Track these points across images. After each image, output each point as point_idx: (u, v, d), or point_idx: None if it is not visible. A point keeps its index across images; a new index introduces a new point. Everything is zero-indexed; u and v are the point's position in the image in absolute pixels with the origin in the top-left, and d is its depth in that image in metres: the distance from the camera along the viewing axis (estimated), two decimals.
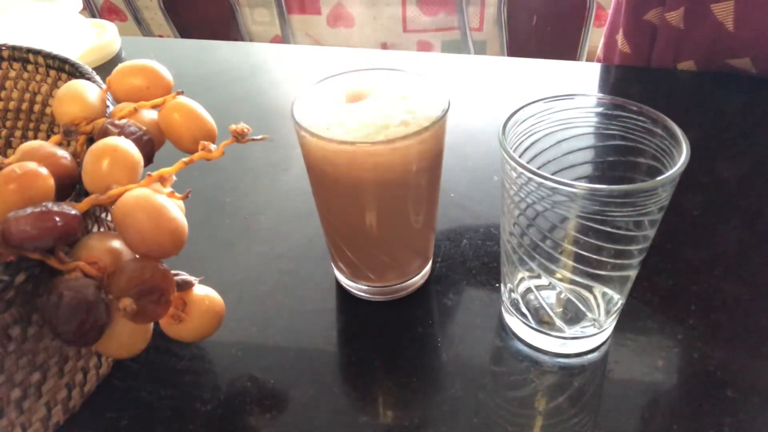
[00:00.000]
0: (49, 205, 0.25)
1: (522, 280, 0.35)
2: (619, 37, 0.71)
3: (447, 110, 0.34)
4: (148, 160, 0.32)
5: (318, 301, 0.41)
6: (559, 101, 0.34)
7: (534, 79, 0.69)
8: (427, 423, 0.33)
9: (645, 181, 0.28)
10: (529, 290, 0.35)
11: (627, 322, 0.38)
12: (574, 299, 0.34)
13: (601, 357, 0.36)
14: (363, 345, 0.38)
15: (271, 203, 0.51)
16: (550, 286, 0.34)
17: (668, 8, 0.65)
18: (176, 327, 0.32)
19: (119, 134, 0.31)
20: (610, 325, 0.36)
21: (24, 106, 0.43)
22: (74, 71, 0.39)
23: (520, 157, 0.30)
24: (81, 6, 0.76)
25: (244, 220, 0.49)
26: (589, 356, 0.36)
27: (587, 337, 0.36)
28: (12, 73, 0.42)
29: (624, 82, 0.68)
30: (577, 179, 0.31)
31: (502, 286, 0.39)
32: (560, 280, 0.32)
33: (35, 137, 0.44)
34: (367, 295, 0.41)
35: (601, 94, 0.34)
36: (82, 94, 0.33)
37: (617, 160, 0.34)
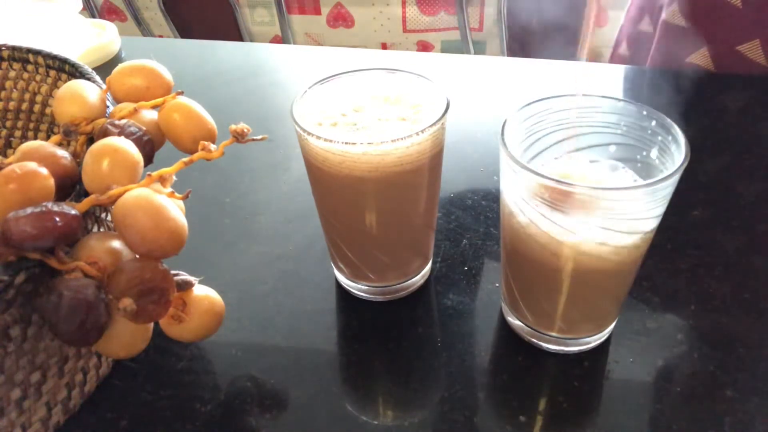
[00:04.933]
0: (49, 205, 0.25)
1: (522, 280, 0.35)
2: (671, 11, 0.68)
3: (447, 110, 0.34)
4: (148, 160, 0.32)
5: (318, 301, 0.41)
6: (559, 101, 0.34)
7: (534, 79, 0.69)
8: (427, 423, 0.33)
9: (645, 181, 0.28)
10: (528, 290, 0.35)
11: (627, 322, 0.38)
12: (573, 299, 0.34)
13: (601, 357, 0.36)
14: (363, 345, 0.38)
15: (271, 203, 0.51)
16: (550, 286, 0.33)
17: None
18: (176, 327, 0.32)
19: (119, 134, 0.31)
20: (610, 325, 0.36)
21: (24, 106, 0.43)
22: (74, 71, 0.39)
23: (520, 157, 0.30)
24: (81, 6, 0.76)
25: (244, 220, 0.49)
26: (589, 356, 0.36)
27: (587, 337, 0.36)
28: (12, 73, 0.42)
29: (624, 82, 0.68)
30: (576, 179, 0.31)
31: (502, 286, 0.39)
32: (560, 280, 0.32)
33: (35, 137, 0.44)
34: (367, 295, 0.41)
35: (601, 94, 0.34)
36: (82, 94, 0.33)
37: (617, 160, 0.34)
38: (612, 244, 0.30)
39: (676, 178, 0.28)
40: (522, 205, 0.31)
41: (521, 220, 0.32)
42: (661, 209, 0.30)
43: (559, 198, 0.28)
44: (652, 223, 0.30)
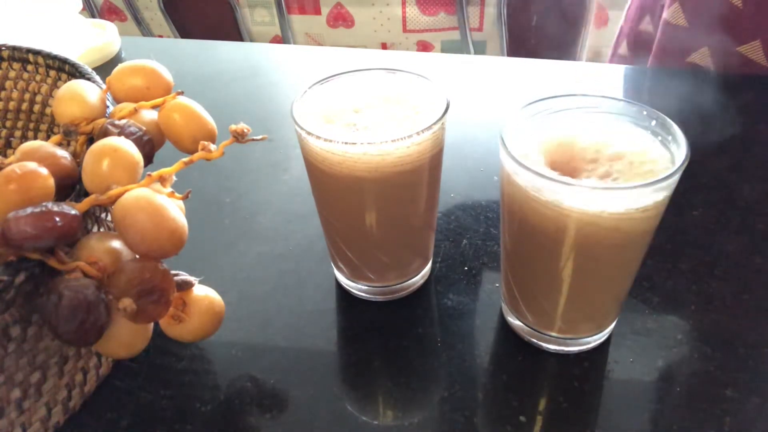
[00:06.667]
0: (49, 205, 0.25)
1: (522, 279, 0.35)
2: (672, 11, 0.68)
3: (447, 110, 0.34)
4: (148, 160, 0.32)
5: (318, 301, 0.41)
6: (559, 101, 0.34)
7: (534, 79, 0.69)
8: (427, 423, 0.33)
9: (644, 181, 0.28)
10: (529, 290, 0.35)
11: (627, 322, 0.38)
12: (573, 299, 0.34)
13: (601, 357, 0.36)
14: (363, 345, 0.38)
15: (271, 203, 0.51)
16: (550, 286, 0.33)
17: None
18: (176, 327, 0.32)
19: (119, 134, 0.31)
20: (610, 325, 0.36)
21: (24, 106, 0.43)
22: (74, 71, 0.39)
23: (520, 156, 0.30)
24: (81, 6, 0.76)
25: (244, 220, 0.49)
26: (589, 356, 0.36)
27: (587, 337, 0.36)
28: (12, 73, 0.42)
29: (624, 82, 0.68)
30: (576, 179, 0.31)
31: (502, 286, 0.39)
32: (560, 279, 0.32)
33: (35, 137, 0.44)
34: (367, 295, 0.41)
35: (601, 94, 0.34)
36: (82, 94, 0.33)
37: (617, 159, 0.34)
38: (611, 245, 0.30)
39: (677, 177, 0.28)
40: (522, 205, 0.31)
41: (521, 219, 0.32)
42: (660, 210, 0.30)
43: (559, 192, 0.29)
44: (651, 224, 0.30)
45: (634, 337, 0.37)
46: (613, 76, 0.69)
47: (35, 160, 0.28)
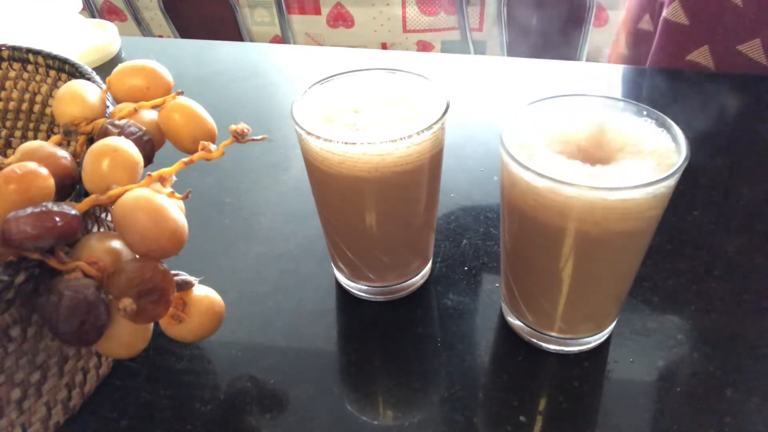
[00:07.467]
0: (49, 205, 0.25)
1: (522, 279, 0.35)
2: (672, 9, 0.68)
3: (447, 110, 0.34)
4: (148, 160, 0.32)
5: (318, 301, 0.41)
6: (559, 101, 0.34)
7: (534, 79, 0.69)
8: (427, 423, 0.33)
9: (645, 181, 0.28)
10: (529, 290, 0.35)
11: (627, 322, 0.38)
12: (573, 299, 0.34)
13: (601, 357, 0.36)
14: (363, 345, 0.38)
15: (271, 203, 0.51)
16: (550, 286, 0.33)
17: None
18: (176, 327, 0.32)
19: (119, 134, 0.31)
20: (610, 325, 0.36)
21: (24, 106, 0.43)
22: (74, 71, 0.39)
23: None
24: (81, 6, 0.76)
25: (244, 220, 0.49)
26: (589, 356, 0.36)
27: (587, 337, 0.36)
28: (12, 73, 0.42)
29: (624, 82, 0.68)
30: (576, 179, 0.31)
31: (502, 286, 0.39)
32: (560, 279, 0.32)
33: (35, 137, 0.44)
34: (367, 295, 0.41)
35: (601, 94, 0.34)
36: (82, 94, 0.33)
37: (617, 160, 0.34)
38: (611, 245, 0.30)
39: (676, 178, 0.28)
40: (521, 205, 0.31)
41: (520, 220, 0.32)
42: (660, 210, 0.30)
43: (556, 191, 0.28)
44: (651, 224, 0.30)
45: (634, 337, 0.37)
46: (613, 76, 0.69)
47: (35, 160, 0.28)
